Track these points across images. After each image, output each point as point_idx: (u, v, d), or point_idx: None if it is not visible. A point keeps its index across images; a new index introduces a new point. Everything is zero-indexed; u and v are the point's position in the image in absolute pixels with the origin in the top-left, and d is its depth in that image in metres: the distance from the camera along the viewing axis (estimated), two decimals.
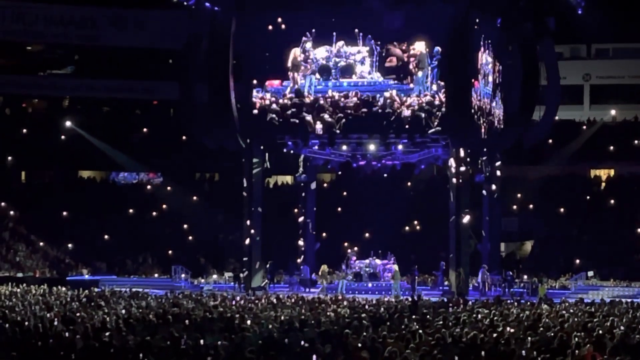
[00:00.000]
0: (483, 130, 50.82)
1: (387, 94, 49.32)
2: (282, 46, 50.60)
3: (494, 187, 56.06)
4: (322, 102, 50.18)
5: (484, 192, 55.96)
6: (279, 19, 50.90)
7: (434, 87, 49.17)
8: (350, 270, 52.77)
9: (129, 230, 64.81)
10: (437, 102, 48.84)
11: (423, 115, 48.70)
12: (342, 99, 49.97)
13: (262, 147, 52.69)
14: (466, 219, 49.80)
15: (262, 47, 51.35)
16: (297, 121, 50.23)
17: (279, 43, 50.72)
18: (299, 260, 55.89)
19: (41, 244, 62.79)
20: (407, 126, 49.01)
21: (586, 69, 75.36)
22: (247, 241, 52.21)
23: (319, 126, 50.04)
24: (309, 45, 50.35)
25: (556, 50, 59.97)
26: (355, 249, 55.91)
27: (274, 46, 50.94)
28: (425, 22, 49.31)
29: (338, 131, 49.84)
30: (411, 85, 49.27)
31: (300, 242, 57.36)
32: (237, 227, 55.12)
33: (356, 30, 49.81)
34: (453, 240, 49.96)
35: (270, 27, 51.00)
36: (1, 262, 59.73)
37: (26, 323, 27.05)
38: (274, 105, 50.73)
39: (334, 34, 50.03)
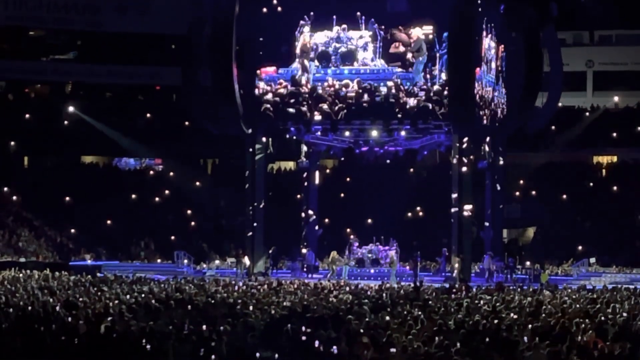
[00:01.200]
0: (485, 118, 50.29)
1: (390, 83, 47.67)
2: (278, 31, 49.28)
3: (496, 173, 55.91)
4: (320, 91, 48.50)
5: (487, 178, 55.76)
6: (274, 1, 49.66)
7: (443, 76, 47.41)
8: (352, 256, 52.74)
9: (132, 215, 64.82)
10: (446, 92, 47.02)
11: (430, 106, 47.13)
12: (343, 88, 48.24)
13: (264, 136, 51.82)
14: (468, 209, 49.53)
15: (257, 33, 50.28)
16: (294, 111, 48.78)
17: (275, 28, 49.40)
18: (302, 247, 55.67)
19: (44, 229, 62.87)
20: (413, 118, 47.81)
21: (589, 56, 75.31)
22: (250, 227, 52.16)
23: (317, 117, 48.75)
24: (307, 29, 48.84)
25: (559, 37, 59.78)
26: (354, 236, 55.51)
27: (269, 31, 49.72)
28: (431, 7, 47.50)
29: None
30: None
31: (303, 228, 57.21)
32: (240, 213, 55.09)
33: (358, 13, 48.10)
34: (455, 226, 49.46)
35: (264, 10, 49.74)
36: (4, 247, 59.74)
37: (29, 308, 27.10)
38: (269, 95, 49.31)
39: (334, 17, 48.41)
